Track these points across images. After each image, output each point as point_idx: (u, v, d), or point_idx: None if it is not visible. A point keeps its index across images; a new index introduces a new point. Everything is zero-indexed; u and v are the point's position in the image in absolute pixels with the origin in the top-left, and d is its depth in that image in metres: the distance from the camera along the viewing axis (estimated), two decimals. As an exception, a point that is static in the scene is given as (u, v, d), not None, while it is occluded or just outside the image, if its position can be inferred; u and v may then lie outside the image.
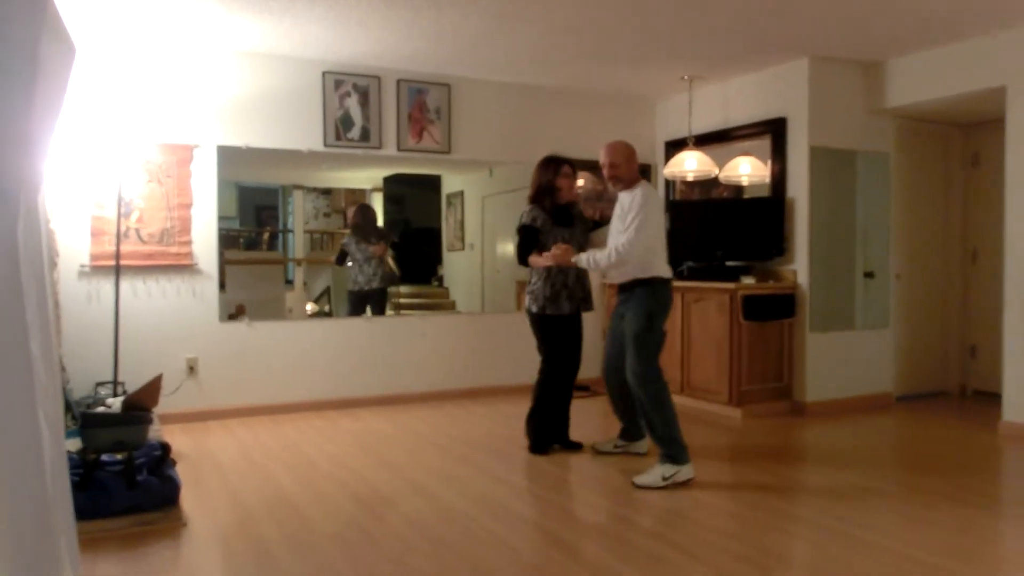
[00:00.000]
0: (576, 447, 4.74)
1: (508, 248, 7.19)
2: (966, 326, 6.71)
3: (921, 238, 6.58)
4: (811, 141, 5.81)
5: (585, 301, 4.68)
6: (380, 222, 7.39)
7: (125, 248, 5.23)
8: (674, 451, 4.05)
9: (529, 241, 4.62)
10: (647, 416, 4.15)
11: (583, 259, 4.35)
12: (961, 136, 6.71)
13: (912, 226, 6.50)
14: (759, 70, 6.15)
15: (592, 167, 5.53)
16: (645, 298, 4.23)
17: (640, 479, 4.01)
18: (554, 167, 4.63)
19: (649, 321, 4.20)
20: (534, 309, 4.63)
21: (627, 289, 4.33)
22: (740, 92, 6.37)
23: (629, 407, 4.46)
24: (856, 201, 6.05)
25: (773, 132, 6.05)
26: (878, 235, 6.19)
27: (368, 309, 6.82)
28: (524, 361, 6.57)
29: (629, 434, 4.64)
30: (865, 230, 6.10)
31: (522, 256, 4.66)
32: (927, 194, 6.62)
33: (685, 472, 4.02)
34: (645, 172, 7.21)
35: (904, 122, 6.31)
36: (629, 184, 4.30)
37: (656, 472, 4.01)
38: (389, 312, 7.17)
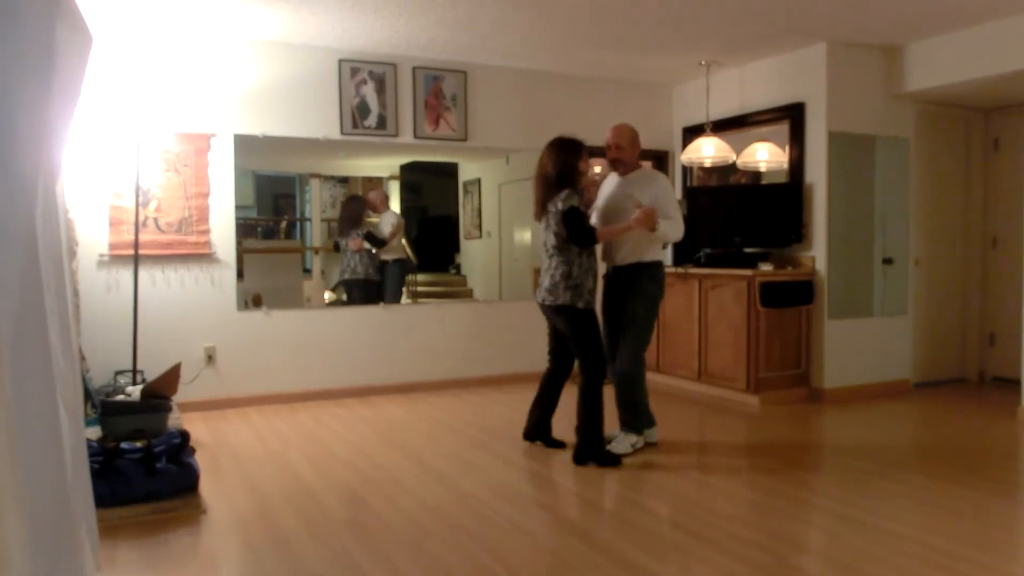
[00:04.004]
0: (560, 445, 4.46)
1: (525, 235, 7.18)
2: (985, 313, 6.64)
3: (940, 224, 6.52)
4: (829, 126, 5.75)
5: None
6: (396, 208, 7.39)
7: (143, 237, 5.26)
8: (642, 421, 4.45)
9: (585, 221, 4.18)
10: (628, 392, 4.39)
11: (661, 226, 4.21)
12: (982, 120, 6.62)
13: (931, 212, 6.43)
14: (777, 55, 6.09)
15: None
16: (652, 282, 4.40)
17: (613, 448, 4.30)
18: (577, 149, 4.25)
19: (656, 305, 4.44)
20: (580, 305, 4.16)
21: (626, 272, 4.35)
22: (758, 77, 6.32)
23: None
24: (875, 187, 6.00)
25: (791, 117, 6.00)
26: (897, 221, 6.13)
27: (362, 298, 6.87)
28: (541, 348, 6.57)
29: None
30: (884, 216, 6.05)
31: (588, 235, 4.16)
32: (947, 179, 6.55)
33: (642, 440, 4.47)
34: (662, 158, 7.19)
35: (924, 107, 6.24)
36: (629, 168, 4.42)
37: (626, 442, 4.36)
38: (406, 300, 7.18)
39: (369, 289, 6.88)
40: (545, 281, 4.29)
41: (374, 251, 6.92)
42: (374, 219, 7.09)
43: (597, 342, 4.25)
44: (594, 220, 4.53)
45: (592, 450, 4.17)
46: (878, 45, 5.82)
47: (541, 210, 4.30)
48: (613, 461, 4.15)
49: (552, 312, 4.31)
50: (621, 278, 4.41)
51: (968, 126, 6.61)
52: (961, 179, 6.63)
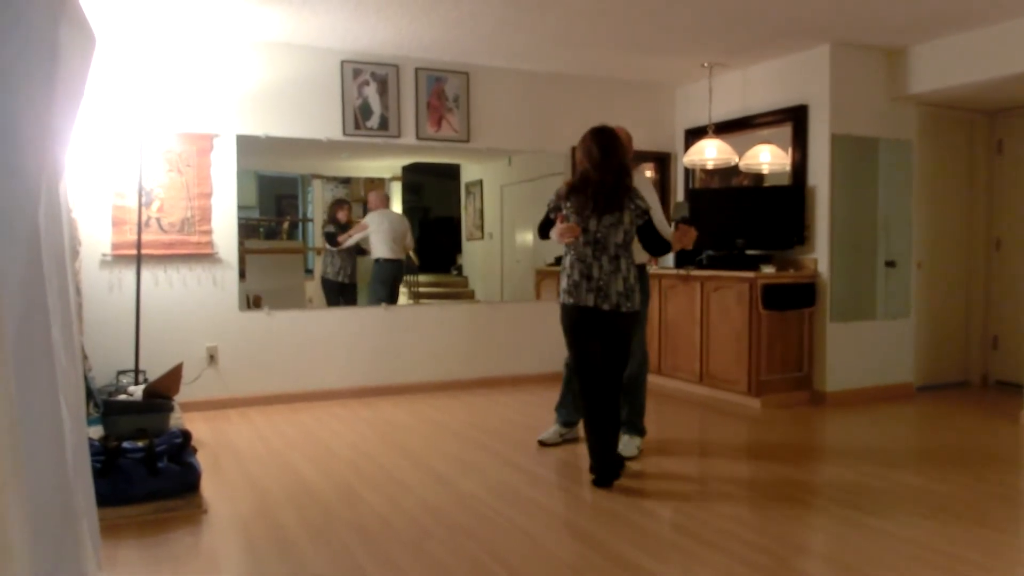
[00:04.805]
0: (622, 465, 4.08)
1: (527, 237, 7.18)
2: (988, 316, 6.63)
3: (944, 227, 6.51)
4: (832, 129, 5.75)
5: None
6: (398, 208, 7.40)
7: (146, 237, 5.27)
8: (642, 424, 4.42)
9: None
10: (637, 394, 4.37)
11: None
12: (986, 122, 6.62)
13: (934, 214, 6.42)
14: (780, 57, 6.09)
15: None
16: (644, 282, 4.42)
17: (625, 451, 4.24)
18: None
19: (648, 304, 4.47)
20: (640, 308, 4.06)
21: None
22: (761, 79, 6.32)
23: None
24: (878, 189, 5.99)
25: (794, 119, 5.99)
26: (900, 224, 6.12)
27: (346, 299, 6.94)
28: (543, 350, 6.59)
29: (573, 421, 4.55)
30: (887, 219, 6.04)
31: (667, 245, 3.99)
32: (950, 182, 6.54)
33: (642, 439, 4.45)
34: (665, 160, 7.19)
35: (927, 109, 6.23)
36: None
37: (632, 445, 4.33)
38: (408, 301, 7.18)
39: (333, 289, 6.95)
40: (616, 285, 3.82)
41: (344, 251, 7.01)
42: (342, 220, 7.15)
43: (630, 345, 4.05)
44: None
45: (617, 466, 3.94)
46: (881, 47, 5.82)
47: (615, 205, 3.83)
48: (621, 466, 4.02)
49: (620, 319, 3.86)
50: None
51: (972, 128, 6.60)
52: (964, 181, 6.62)
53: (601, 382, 3.91)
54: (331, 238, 7.06)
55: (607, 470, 3.85)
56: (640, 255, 4.34)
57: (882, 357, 6.06)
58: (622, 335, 3.91)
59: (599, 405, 3.89)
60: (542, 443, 4.57)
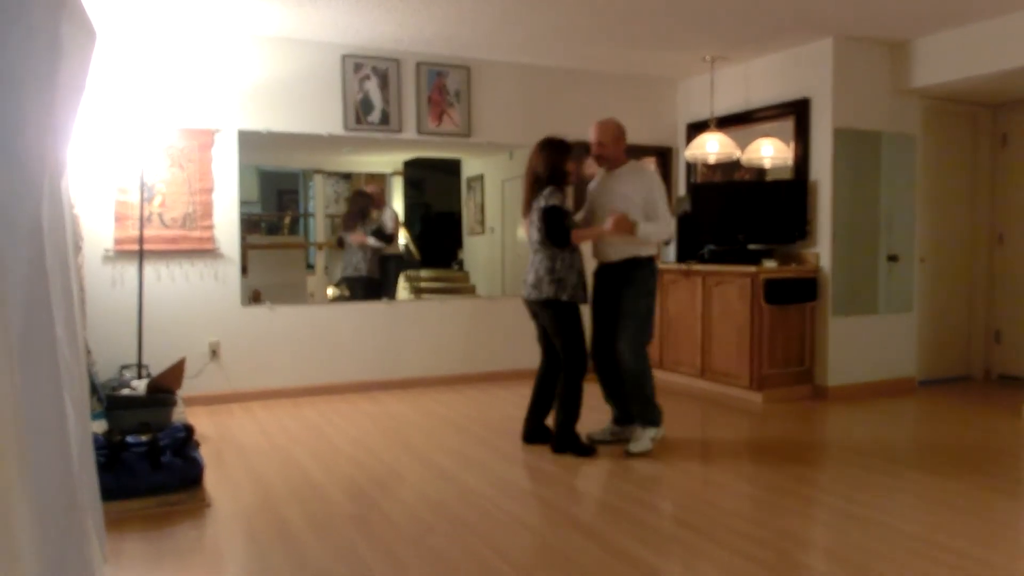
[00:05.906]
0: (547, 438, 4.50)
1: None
2: (991, 310, 6.63)
3: (946, 221, 6.50)
4: (835, 123, 5.74)
5: (586, 289, 4.41)
6: (399, 204, 7.40)
7: (148, 233, 5.27)
8: (654, 415, 4.40)
9: (563, 220, 4.23)
10: (639, 388, 4.37)
11: (643, 229, 4.23)
12: (990, 116, 6.60)
13: (937, 209, 6.42)
14: (782, 50, 6.08)
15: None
16: (649, 276, 4.40)
17: (635, 447, 4.30)
18: (565, 150, 4.33)
19: (653, 298, 4.44)
20: (564, 297, 4.22)
21: (621, 267, 4.32)
22: (763, 73, 6.31)
23: (621, 388, 4.45)
24: (880, 183, 5.98)
25: (796, 113, 5.98)
26: (903, 218, 6.11)
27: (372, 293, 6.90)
28: (544, 344, 6.59)
29: (623, 418, 4.52)
30: (889, 213, 6.03)
31: (563, 235, 4.21)
32: (953, 176, 6.53)
33: (662, 430, 4.43)
34: (666, 154, 7.18)
35: (931, 102, 6.22)
36: (615, 164, 4.42)
37: (645, 437, 4.34)
38: (409, 296, 7.19)
39: (371, 286, 6.90)
40: (529, 277, 4.34)
41: (382, 247, 6.92)
42: (374, 215, 7.11)
43: (579, 336, 4.32)
44: (580, 216, 4.59)
45: (568, 440, 4.31)
46: (885, 40, 5.81)
47: (527, 207, 4.36)
48: (588, 451, 4.28)
49: (538, 307, 4.35)
50: (614, 274, 4.36)
51: (975, 122, 6.59)
52: (967, 175, 6.61)
53: (549, 359, 4.52)
54: (383, 234, 6.98)
55: (560, 441, 4.33)
56: (644, 248, 4.33)
57: (884, 351, 6.05)
58: (547, 321, 4.35)
59: (545, 377, 4.51)
60: (592, 440, 4.50)
